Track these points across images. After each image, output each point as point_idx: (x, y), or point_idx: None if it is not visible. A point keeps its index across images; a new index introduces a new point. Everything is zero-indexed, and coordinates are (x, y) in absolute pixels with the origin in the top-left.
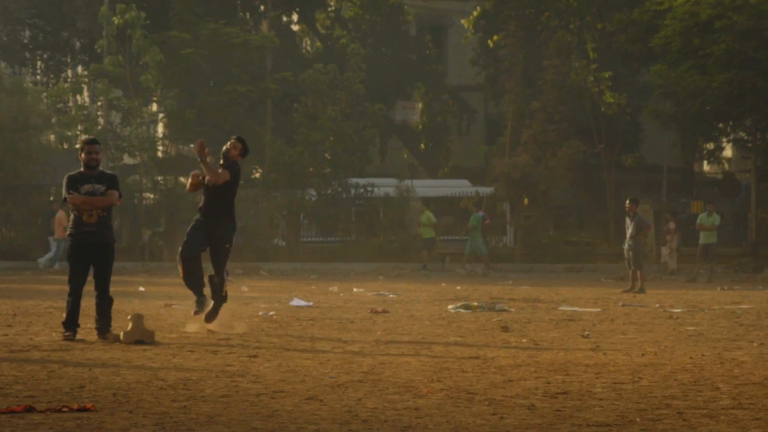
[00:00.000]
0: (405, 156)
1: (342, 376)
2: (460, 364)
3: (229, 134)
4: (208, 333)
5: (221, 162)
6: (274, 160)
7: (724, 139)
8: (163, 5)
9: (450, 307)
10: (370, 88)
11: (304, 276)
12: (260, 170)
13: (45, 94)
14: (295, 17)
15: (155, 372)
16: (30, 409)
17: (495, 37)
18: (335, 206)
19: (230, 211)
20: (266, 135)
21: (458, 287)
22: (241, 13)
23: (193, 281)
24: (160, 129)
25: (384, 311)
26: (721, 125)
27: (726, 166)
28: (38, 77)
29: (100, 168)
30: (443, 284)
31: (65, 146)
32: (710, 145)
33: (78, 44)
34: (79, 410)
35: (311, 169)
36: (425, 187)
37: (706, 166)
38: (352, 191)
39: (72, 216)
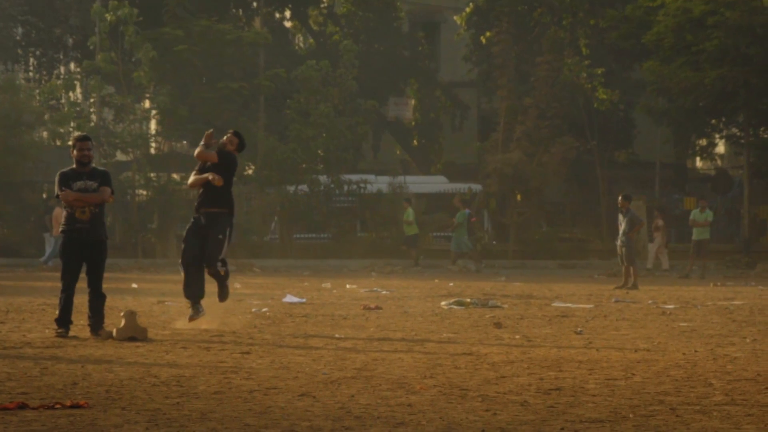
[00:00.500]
0: (398, 152)
1: (335, 373)
2: (453, 360)
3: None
4: (200, 330)
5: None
6: (266, 156)
7: (717, 135)
8: (155, 2)
9: (443, 303)
10: (362, 85)
11: (297, 272)
12: (253, 167)
13: (37, 91)
14: (287, 14)
15: (148, 369)
16: (23, 406)
17: (488, 34)
18: (328, 203)
19: (227, 203)
20: (259, 131)
21: (451, 284)
22: (234, 10)
23: (193, 290)
24: (153, 126)
25: (377, 308)
26: (713, 121)
27: (719, 162)
28: (31, 74)
29: (93, 165)
30: (436, 281)
31: (58, 143)
32: (703, 141)
33: (70, 41)
34: (72, 407)
35: (304, 165)
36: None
37: (698, 163)
38: (345, 187)
39: (64, 213)
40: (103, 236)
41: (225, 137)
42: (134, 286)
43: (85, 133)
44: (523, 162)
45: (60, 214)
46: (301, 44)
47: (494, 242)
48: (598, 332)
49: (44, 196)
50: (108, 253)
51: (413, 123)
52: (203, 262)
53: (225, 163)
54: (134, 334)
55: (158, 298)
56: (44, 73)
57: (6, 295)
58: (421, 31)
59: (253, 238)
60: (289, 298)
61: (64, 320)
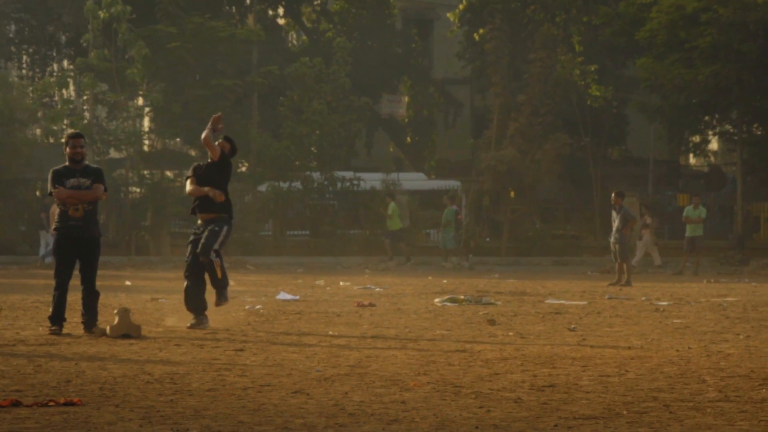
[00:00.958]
0: (391, 149)
1: (329, 370)
2: (447, 357)
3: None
4: (187, 327)
5: (209, 161)
6: (260, 154)
7: (710, 132)
8: None
9: (436, 300)
10: (356, 82)
11: (291, 270)
12: (246, 164)
13: (31, 89)
14: (281, 11)
15: (142, 366)
16: (16, 404)
17: (481, 31)
18: (321, 200)
19: (224, 208)
20: (252, 129)
21: (444, 281)
22: (227, 7)
23: (193, 302)
24: (146, 123)
25: (370, 305)
26: (707, 118)
27: (712, 158)
28: (24, 71)
29: (86, 162)
30: (429, 278)
31: (51, 140)
32: (696, 138)
33: (64, 38)
34: (66, 404)
35: (297, 162)
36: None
37: (692, 159)
38: (339, 185)
39: (58, 210)
40: (97, 233)
41: (216, 143)
42: (128, 283)
43: (77, 131)
44: (516, 159)
45: (56, 211)
46: (295, 41)
47: (488, 239)
48: (591, 329)
49: (38, 193)
50: (101, 250)
51: (406, 120)
52: (199, 254)
53: (221, 167)
54: (128, 331)
55: (152, 296)
56: (37, 70)
57: None
58: (414, 28)
59: (247, 235)
60: (283, 296)
61: (57, 317)
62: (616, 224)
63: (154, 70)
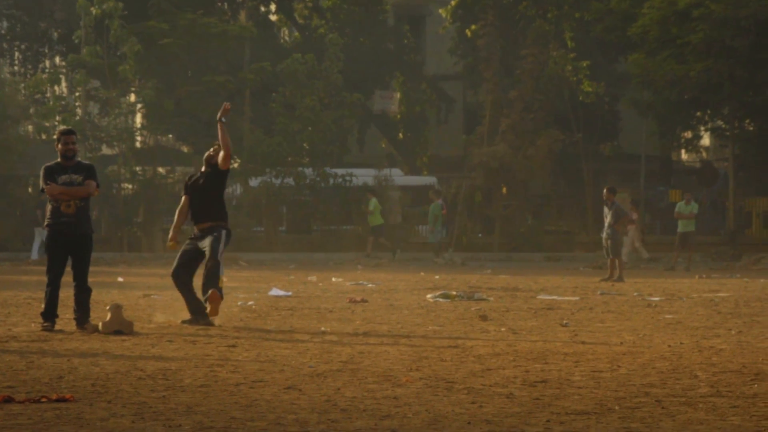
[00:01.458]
0: (383, 146)
1: (321, 366)
2: (439, 353)
3: (207, 124)
4: (180, 323)
5: (203, 168)
6: (252, 150)
7: (702, 128)
8: None
9: (429, 296)
10: (348, 78)
11: (283, 266)
12: (238, 160)
13: (23, 85)
14: (272, 7)
15: (134, 362)
16: (9, 400)
17: (473, 27)
18: (313, 196)
19: (219, 215)
20: (244, 125)
21: (437, 276)
22: (219, 4)
23: (188, 298)
24: (138, 119)
25: (363, 300)
26: (698, 114)
27: (704, 154)
28: (16, 68)
29: (78, 158)
30: (422, 273)
31: (43, 137)
32: (688, 134)
33: (56, 35)
34: (58, 400)
35: (289, 158)
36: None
37: (684, 155)
38: (331, 181)
39: (50, 207)
40: (89, 230)
41: (212, 149)
42: (120, 279)
43: (70, 127)
44: (508, 155)
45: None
46: (287, 38)
47: (480, 235)
48: (583, 324)
49: (29, 190)
50: (94, 246)
51: (399, 116)
52: (205, 261)
53: (220, 174)
54: (120, 327)
55: (144, 292)
56: (29, 67)
57: None
58: (406, 24)
59: (239, 231)
60: (275, 292)
61: (49, 314)
62: (608, 220)
63: (147, 66)
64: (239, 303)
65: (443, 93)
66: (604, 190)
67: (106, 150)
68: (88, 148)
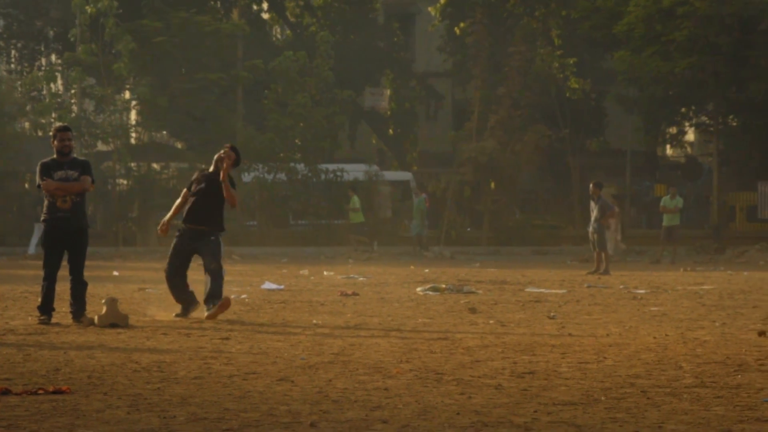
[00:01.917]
0: (374, 141)
1: (313, 358)
2: (429, 345)
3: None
4: (174, 317)
5: (212, 168)
6: (245, 146)
7: (687, 124)
8: None
9: (419, 289)
10: (339, 75)
11: (276, 260)
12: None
13: (19, 83)
14: (265, 5)
15: (129, 354)
16: (6, 392)
17: (462, 25)
18: (305, 191)
19: (215, 223)
20: (237, 122)
21: (426, 270)
22: (212, 2)
23: (179, 296)
24: (133, 116)
25: (354, 294)
26: (683, 110)
27: (688, 149)
28: (12, 66)
29: (73, 155)
30: (412, 267)
31: (39, 133)
32: (673, 130)
33: (51, 33)
34: (55, 392)
35: (282, 154)
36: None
37: (669, 150)
38: (322, 176)
39: (46, 202)
40: (85, 225)
41: (222, 152)
42: (115, 273)
43: (65, 124)
44: (496, 150)
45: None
46: (279, 36)
47: (469, 229)
48: (570, 317)
49: (26, 186)
50: (89, 241)
51: (389, 113)
52: (204, 266)
53: (220, 187)
54: (115, 320)
55: (139, 286)
56: (26, 64)
57: None
58: (396, 22)
59: (232, 226)
60: (268, 285)
61: (46, 307)
62: (594, 214)
63: (141, 64)
64: (232, 296)
65: (432, 90)
66: (591, 185)
67: (101, 146)
68: (84, 144)
